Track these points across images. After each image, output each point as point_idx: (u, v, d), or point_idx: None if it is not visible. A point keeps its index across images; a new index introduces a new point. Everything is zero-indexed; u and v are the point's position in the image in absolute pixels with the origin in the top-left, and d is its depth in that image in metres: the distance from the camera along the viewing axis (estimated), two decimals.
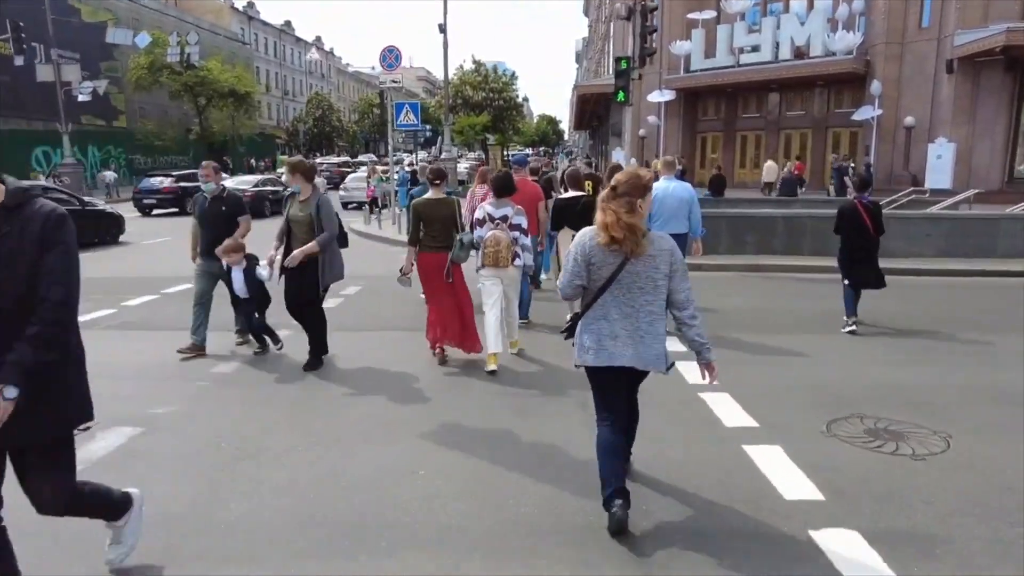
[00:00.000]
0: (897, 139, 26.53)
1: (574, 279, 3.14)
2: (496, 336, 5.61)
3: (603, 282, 3.10)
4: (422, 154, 52.48)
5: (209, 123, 43.83)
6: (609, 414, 3.27)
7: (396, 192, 16.50)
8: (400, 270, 5.89)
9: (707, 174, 33.87)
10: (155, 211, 21.21)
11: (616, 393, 3.27)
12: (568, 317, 3.34)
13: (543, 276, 8.84)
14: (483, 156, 44.21)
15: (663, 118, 33.76)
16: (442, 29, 26.69)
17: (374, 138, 72.09)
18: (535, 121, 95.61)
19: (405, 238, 13.90)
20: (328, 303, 7.60)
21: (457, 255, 5.55)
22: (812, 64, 27.73)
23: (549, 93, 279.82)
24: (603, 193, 3.14)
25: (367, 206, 18.08)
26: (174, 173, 24.52)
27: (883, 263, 7.23)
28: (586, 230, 3.18)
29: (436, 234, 5.57)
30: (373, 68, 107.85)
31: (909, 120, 25.59)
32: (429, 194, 5.74)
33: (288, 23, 74.87)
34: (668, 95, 31.74)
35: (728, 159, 32.12)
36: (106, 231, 14.91)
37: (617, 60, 11.06)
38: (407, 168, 23.49)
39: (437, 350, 5.92)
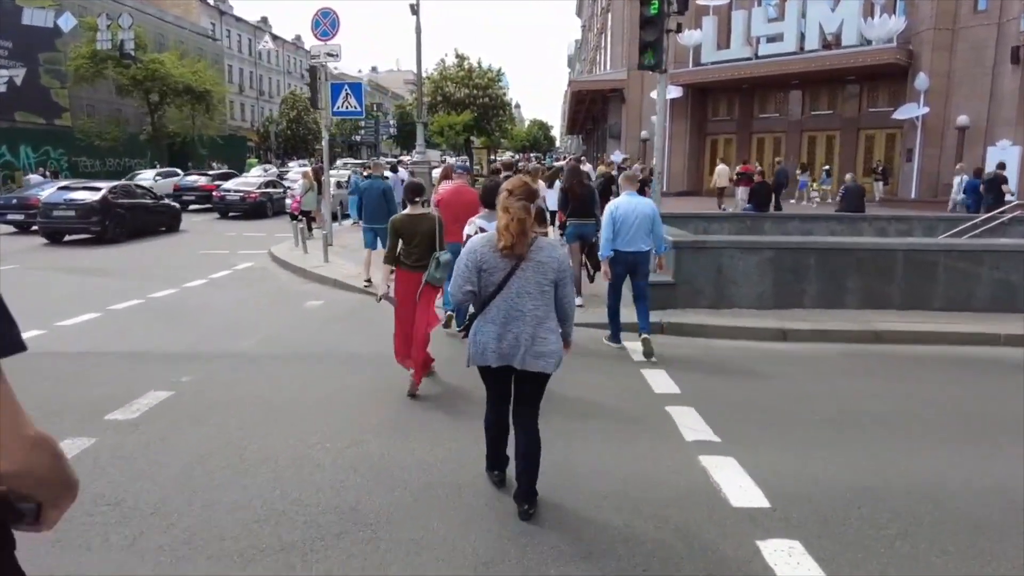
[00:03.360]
0: (946, 142, 22.59)
1: (464, 284, 3.24)
2: None
3: (494, 287, 3.22)
4: (409, 158, 48.16)
5: (163, 122, 39.38)
6: (497, 408, 3.46)
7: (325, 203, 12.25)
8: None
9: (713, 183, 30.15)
10: (192, 206, 23.41)
11: (505, 392, 3.41)
12: (467, 317, 3.44)
13: None
14: (466, 165, 39.73)
15: (668, 118, 30.07)
16: (414, 10, 23.19)
17: (355, 141, 67.71)
18: (526, 126, 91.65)
19: (326, 271, 9.79)
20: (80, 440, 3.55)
21: (432, 276, 5.09)
22: (844, 55, 23.79)
23: (539, 94, 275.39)
24: (502, 196, 3.23)
25: (299, 219, 13.88)
26: (210, 172, 28.31)
27: None
28: (478, 236, 3.39)
29: (414, 252, 5.11)
30: (360, 71, 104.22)
31: (962, 119, 21.63)
32: (408, 209, 5.31)
33: (264, 20, 70.71)
34: (674, 92, 28.02)
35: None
36: (171, 221, 17.41)
37: (644, 1, 6.90)
38: (361, 173, 19.53)
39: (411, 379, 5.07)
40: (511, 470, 3.49)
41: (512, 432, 3.44)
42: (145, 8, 49.50)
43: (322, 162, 14.02)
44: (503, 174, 10.09)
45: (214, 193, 22.78)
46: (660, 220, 6.25)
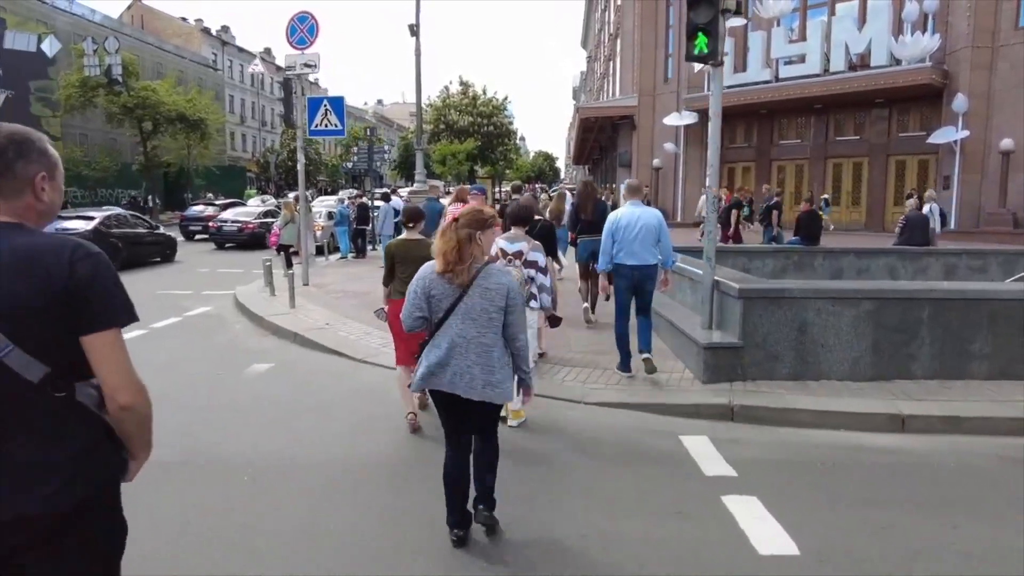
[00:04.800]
0: (988, 167, 20.82)
1: (414, 311, 3.22)
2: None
3: (443, 313, 3.17)
4: (410, 188, 46.67)
5: (155, 151, 38.02)
6: (452, 437, 3.35)
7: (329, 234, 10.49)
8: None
9: (699, 211, 28.46)
10: (197, 236, 23.64)
11: (456, 417, 3.29)
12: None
13: None
14: (482, 187, 38.12)
15: (682, 145, 28.52)
16: (413, 32, 21.87)
17: (358, 172, 66.44)
18: (531, 157, 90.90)
19: (288, 320, 8.02)
20: None
21: None
22: (873, 76, 22.16)
23: (544, 128, 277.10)
24: (444, 223, 3.22)
25: (281, 255, 12.15)
26: (216, 203, 27.95)
27: None
28: (428, 264, 3.30)
29: (409, 278, 4.24)
30: (366, 103, 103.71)
31: (1006, 143, 19.87)
32: (404, 235, 5.17)
33: (268, 50, 70.11)
34: (688, 118, 26.66)
35: (760, 194, 26.38)
36: (166, 252, 17.06)
37: None
38: (348, 203, 17.95)
39: (410, 416, 4.85)
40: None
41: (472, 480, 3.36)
42: (144, 37, 48.78)
43: (320, 190, 12.26)
44: (515, 196, 10.22)
45: (210, 223, 22.03)
46: (667, 230, 5.91)
